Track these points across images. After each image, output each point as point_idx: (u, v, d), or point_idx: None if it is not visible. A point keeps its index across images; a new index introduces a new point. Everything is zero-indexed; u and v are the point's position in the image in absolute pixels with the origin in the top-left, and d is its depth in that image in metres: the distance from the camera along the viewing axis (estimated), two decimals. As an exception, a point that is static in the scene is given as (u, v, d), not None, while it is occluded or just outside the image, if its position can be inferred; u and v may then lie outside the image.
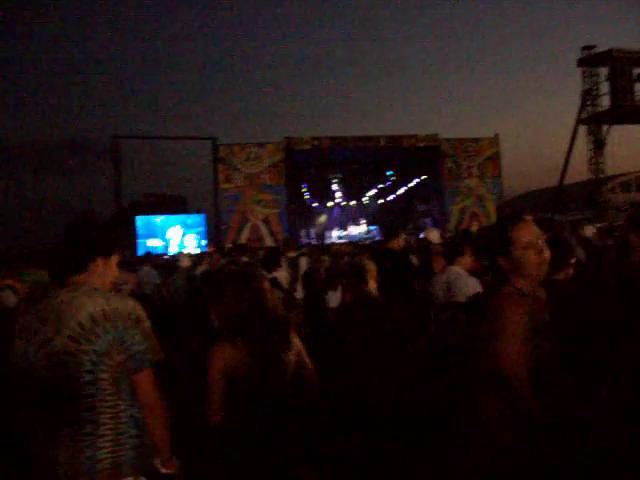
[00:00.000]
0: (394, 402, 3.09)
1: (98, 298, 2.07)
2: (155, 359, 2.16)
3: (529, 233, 2.16)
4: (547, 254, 2.16)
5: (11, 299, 5.06)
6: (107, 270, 2.27)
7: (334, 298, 5.57)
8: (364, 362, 3.19)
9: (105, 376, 2.01)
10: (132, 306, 2.14)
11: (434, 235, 7.43)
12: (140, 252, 19.69)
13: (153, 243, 24.31)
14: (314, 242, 26.38)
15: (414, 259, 7.08)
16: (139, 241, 24.29)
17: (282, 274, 6.96)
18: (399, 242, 6.36)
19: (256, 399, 2.46)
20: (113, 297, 2.13)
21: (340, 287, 5.66)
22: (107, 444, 2.00)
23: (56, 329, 2.00)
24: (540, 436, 1.96)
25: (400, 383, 3.16)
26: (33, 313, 2.10)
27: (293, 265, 7.97)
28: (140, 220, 25.01)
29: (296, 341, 2.72)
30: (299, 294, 6.92)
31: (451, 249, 4.93)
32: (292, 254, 8.54)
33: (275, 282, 4.65)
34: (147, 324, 2.16)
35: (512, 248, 2.14)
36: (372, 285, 3.55)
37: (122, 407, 2.06)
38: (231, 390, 2.46)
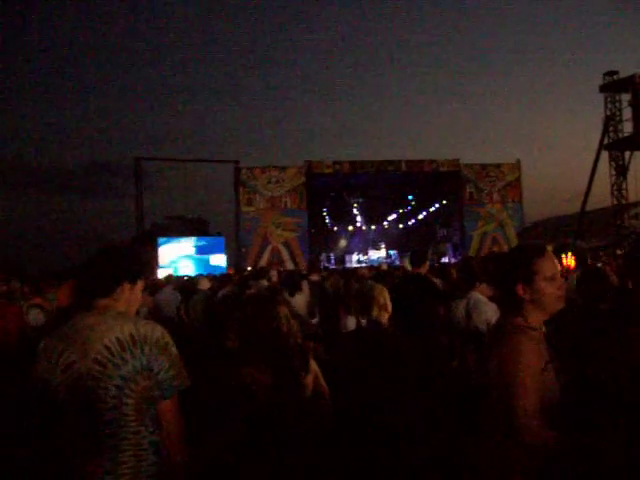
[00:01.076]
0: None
1: (126, 323, 2.06)
2: (182, 387, 2.13)
3: (553, 266, 2.13)
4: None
5: (40, 318, 5.12)
6: (132, 296, 2.26)
7: (349, 323, 5.58)
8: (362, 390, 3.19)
9: (129, 401, 1.99)
10: (160, 332, 2.11)
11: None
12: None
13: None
14: (332, 266, 26.37)
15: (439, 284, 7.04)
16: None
17: (301, 298, 6.96)
18: (426, 267, 6.37)
19: (273, 422, 2.47)
20: (141, 322, 2.12)
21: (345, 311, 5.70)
22: (127, 470, 1.97)
23: (82, 352, 1.98)
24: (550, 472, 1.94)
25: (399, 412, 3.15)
26: (57, 335, 2.08)
27: (317, 289, 7.95)
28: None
29: (314, 366, 2.75)
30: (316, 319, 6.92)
31: (469, 275, 4.91)
32: (316, 277, 8.52)
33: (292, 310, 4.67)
34: (174, 350, 2.14)
35: (537, 278, 2.10)
36: (376, 312, 3.54)
37: (144, 434, 2.03)
38: (248, 412, 2.47)
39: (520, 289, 2.12)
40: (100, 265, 2.22)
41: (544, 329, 2.17)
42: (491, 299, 4.63)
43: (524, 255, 2.19)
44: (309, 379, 2.67)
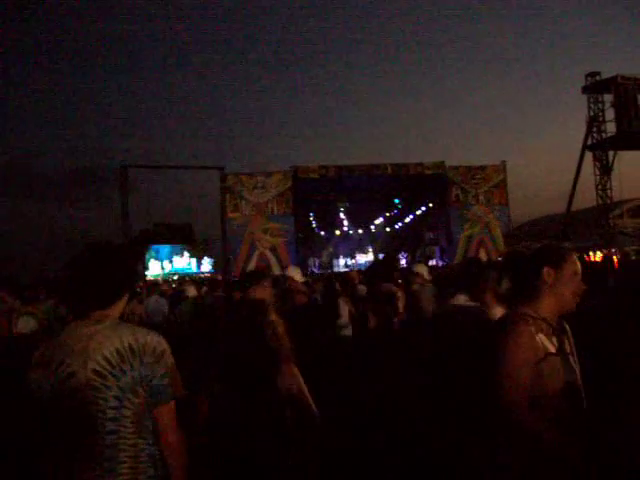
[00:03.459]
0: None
1: (125, 333, 2.03)
2: (176, 395, 2.10)
3: (578, 266, 2.20)
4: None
5: (32, 324, 5.01)
6: (123, 303, 2.23)
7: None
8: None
9: (128, 413, 1.97)
10: (157, 340, 2.09)
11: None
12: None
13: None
14: (317, 271, 26.40)
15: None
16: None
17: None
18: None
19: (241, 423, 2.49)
20: (139, 331, 2.09)
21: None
22: None
23: (81, 362, 1.95)
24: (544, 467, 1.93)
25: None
26: (54, 343, 2.05)
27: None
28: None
29: (295, 371, 2.73)
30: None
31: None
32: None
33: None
34: (171, 359, 2.11)
35: (565, 265, 2.16)
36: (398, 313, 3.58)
37: (142, 446, 2.00)
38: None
39: (546, 272, 2.14)
40: (102, 274, 2.12)
41: (553, 323, 2.16)
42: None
43: (556, 246, 2.26)
44: (282, 385, 2.66)
